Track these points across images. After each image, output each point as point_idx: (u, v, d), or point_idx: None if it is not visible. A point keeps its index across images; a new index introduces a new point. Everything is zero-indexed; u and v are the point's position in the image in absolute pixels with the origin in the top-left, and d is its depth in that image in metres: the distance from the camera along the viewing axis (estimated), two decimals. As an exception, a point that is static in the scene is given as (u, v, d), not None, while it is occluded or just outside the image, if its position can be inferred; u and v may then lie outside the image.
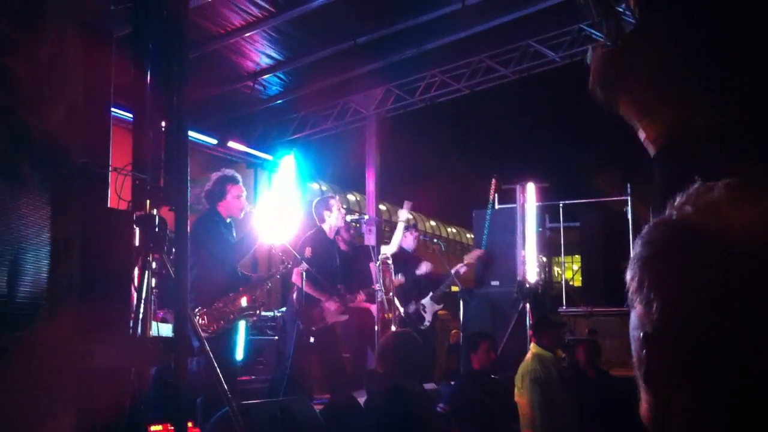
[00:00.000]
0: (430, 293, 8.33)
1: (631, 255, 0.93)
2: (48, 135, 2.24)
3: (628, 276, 0.94)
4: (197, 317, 5.21)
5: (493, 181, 9.65)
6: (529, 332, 7.35)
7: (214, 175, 6.00)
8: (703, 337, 0.83)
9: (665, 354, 0.87)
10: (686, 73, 1.77)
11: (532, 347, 6.84)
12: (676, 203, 0.92)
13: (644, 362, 0.90)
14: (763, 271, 0.80)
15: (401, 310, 7.38)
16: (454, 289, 9.37)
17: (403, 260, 8.27)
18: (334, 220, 7.03)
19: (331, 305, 6.72)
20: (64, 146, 2.33)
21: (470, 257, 8.83)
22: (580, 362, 7.76)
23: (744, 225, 0.83)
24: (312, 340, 6.47)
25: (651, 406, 0.91)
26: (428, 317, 8.22)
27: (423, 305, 8.27)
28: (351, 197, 18.73)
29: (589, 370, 7.57)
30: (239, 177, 6.09)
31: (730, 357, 0.82)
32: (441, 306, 8.53)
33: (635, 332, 0.92)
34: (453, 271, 8.61)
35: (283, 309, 8.76)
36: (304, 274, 6.50)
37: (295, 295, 6.65)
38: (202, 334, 5.17)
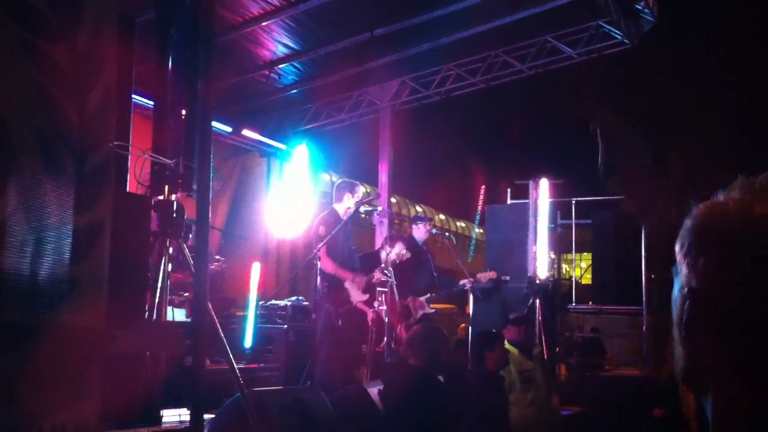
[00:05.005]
0: (428, 294, 8.31)
1: (682, 228, 1.07)
2: (85, 121, 2.26)
3: (678, 245, 1.06)
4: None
5: (483, 188, 9.64)
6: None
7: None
8: (740, 292, 0.96)
9: (706, 306, 1.00)
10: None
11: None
12: (722, 191, 1.07)
13: (687, 314, 1.01)
14: None
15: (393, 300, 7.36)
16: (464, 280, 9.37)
17: (414, 253, 8.26)
18: (351, 203, 7.07)
19: (359, 281, 6.79)
20: (100, 132, 2.34)
21: (483, 276, 8.79)
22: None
23: None
24: (340, 322, 6.55)
25: (688, 357, 1.03)
26: (416, 314, 8.20)
27: (423, 303, 8.26)
28: (363, 190, 18.71)
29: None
30: None
31: (760, 312, 0.95)
32: (433, 311, 8.51)
33: (679, 293, 1.04)
34: (460, 283, 8.66)
35: (293, 298, 8.80)
36: (318, 260, 6.55)
37: (319, 279, 6.69)
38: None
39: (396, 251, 7.73)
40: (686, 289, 1.03)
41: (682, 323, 1.03)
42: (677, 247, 1.06)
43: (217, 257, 8.85)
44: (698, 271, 1.01)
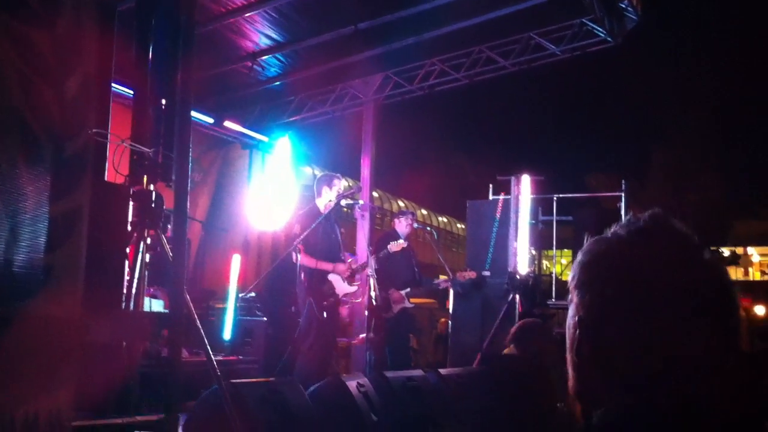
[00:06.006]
0: (408, 289, 8.35)
1: (574, 261, 1.22)
2: (64, 107, 2.23)
3: (570, 276, 1.21)
4: None
5: (501, 199, 9.61)
6: None
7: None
8: (616, 322, 1.11)
9: (592, 334, 1.14)
10: None
11: None
12: (612, 228, 1.21)
13: (577, 341, 1.17)
14: (663, 282, 1.10)
15: (374, 295, 7.39)
16: (443, 277, 9.39)
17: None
18: (331, 196, 7.06)
19: (340, 271, 6.80)
20: (79, 119, 2.31)
21: (463, 276, 8.83)
22: None
23: (661, 244, 1.13)
24: (325, 315, 6.57)
25: (578, 380, 1.18)
26: (396, 308, 8.23)
27: (403, 297, 8.29)
28: (344, 183, 18.71)
29: None
30: None
31: (634, 339, 1.10)
32: (412, 306, 8.55)
33: (571, 320, 1.19)
34: (435, 282, 8.71)
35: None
36: (297, 255, 6.54)
37: (302, 274, 6.70)
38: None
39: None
40: (576, 318, 1.17)
41: (573, 348, 1.17)
42: (569, 279, 1.20)
43: None
44: (585, 303, 1.15)
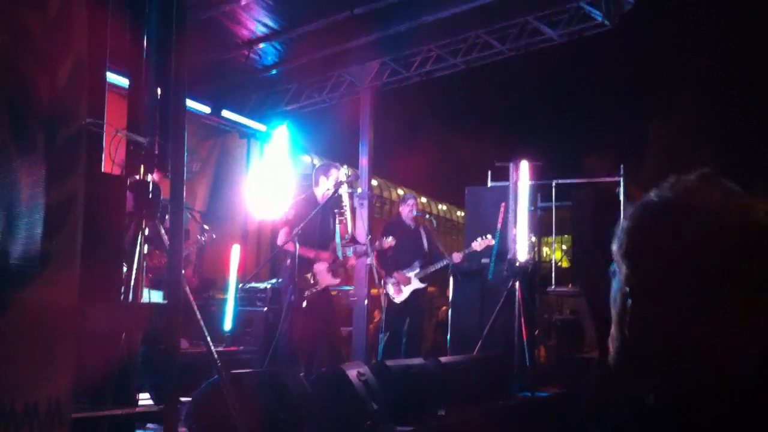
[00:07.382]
0: (417, 269, 8.32)
1: (618, 228, 1.15)
2: (56, 91, 2.19)
3: (615, 245, 1.14)
4: None
5: (502, 207, 9.54)
6: None
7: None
8: (667, 293, 1.05)
9: (641, 305, 1.09)
10: None
11: None
12: (654, 191, 1.13)
13: (629, 313, 1.11)
14: (721, 243, 1.02)
15: (379, 280, 7.37)
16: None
17: (403, 232, 8.28)
18: (329, 185, 7.02)
19: (322, 263, 6.77)
20: (71, 104, 2.27)
21: (479, 245, 8.70)
22: None
23: (714, 205, 1.05)
24: (305, 304, 6.53)
25: (622, 352, 1.13)
26: (405, 292, 8.19)
27: (410, 278, 8.26)
28: (343, 172, 18.62)
29: None
30: None
31: (683, 313, 1.04)
32: (424, 286, 8.48)
33: (619, 291, 1.13)
34: (450, 257, 8.65)
35: (273, 281, 8.75)
36: (296, 238, 6.53)
37: (289, 261, 6.69)
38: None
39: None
40: (627, 289, 1.11)
41: (620, 320, 1.12)
42: (614, 247, 1.13)
43: (205, 226, 8.78)
44: (634, 273, 1.09)
